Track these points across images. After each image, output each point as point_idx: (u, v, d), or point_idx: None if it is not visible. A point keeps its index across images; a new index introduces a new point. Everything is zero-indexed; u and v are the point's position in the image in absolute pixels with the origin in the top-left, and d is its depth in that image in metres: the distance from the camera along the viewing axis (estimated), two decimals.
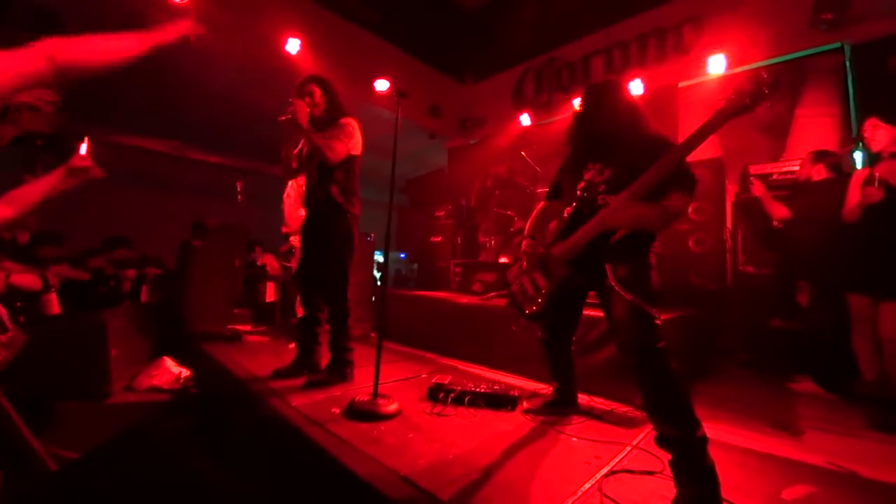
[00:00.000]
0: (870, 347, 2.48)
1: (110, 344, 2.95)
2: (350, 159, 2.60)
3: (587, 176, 1.86)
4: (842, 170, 3.06)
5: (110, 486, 1.38)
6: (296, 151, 2.74)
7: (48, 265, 3.71)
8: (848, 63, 3.96)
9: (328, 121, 2.60)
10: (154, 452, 1.58)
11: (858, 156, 3.64)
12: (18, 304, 3.21)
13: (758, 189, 3.25)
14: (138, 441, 1.66)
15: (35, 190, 1.45)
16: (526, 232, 2.09)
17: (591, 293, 1.95)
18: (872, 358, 2.48)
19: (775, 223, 3.32)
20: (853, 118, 3.88)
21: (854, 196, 2.57)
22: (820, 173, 3.02)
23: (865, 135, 2.59)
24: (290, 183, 4.28)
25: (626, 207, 1.57)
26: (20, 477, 1.60)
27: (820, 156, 3.05)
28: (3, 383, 1.69)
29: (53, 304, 3.31)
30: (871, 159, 2.64)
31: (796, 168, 3.36)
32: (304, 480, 1.82)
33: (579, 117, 1.97)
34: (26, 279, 3.20)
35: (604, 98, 1.88)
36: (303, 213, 4.12)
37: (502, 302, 3.56)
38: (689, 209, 3.89)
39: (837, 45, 4.01)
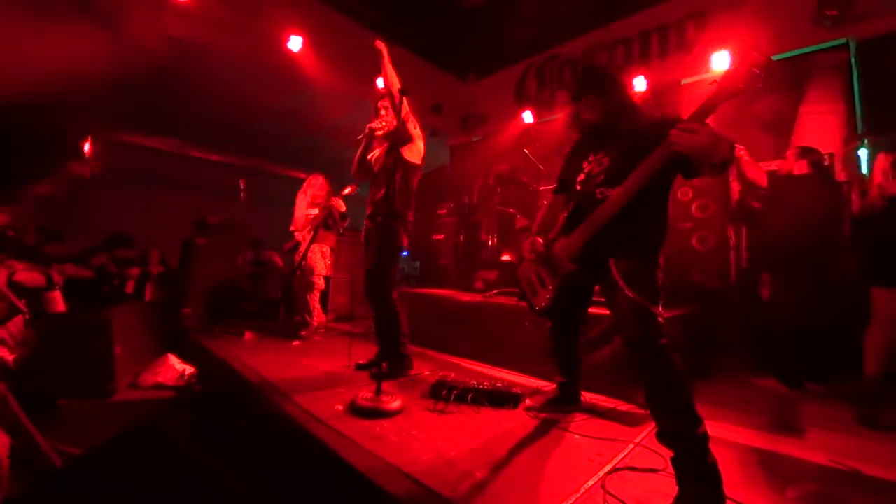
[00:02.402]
0: (887, 342, 2.46)
1: (115, 341, 2.97)
2: (409, 167, 2.78)
3: (587, 168, 1.86)
4: (823, 168, 3.07)
5: (115, 482, 1.39)
6: (370, 157, 2.97)
7: (52, 263, 3.73)
8: (853, 60, 3.93)
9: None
10: (158, 449, 1.59)
11: (863, 153, 3.62)
12: (23, 301, 3.23)
13: (738, 150, 3.24)
14: (143, 437, 1.68)
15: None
16: (535, 228, 2.09)
17: (597, 287, 1.94)
18: (885, 353, 2.46)
19: (754, 203, 3.32)
20: (858, 115, 3.86)
21: (875, 183, 2.56)
22: (802, 168, 3.02)
23: None
24: (305, 183, 4.32)
25: (704, 129, 1.36)
26: (26, 472, 1.61)
27: (805, 152, 3.06)
28: (10, 380, 1.71)
29: (58, 302, 3.33)
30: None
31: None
32: (308, 477, 1.83)
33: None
34: (31, 277, 3.21)
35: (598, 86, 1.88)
36: (312, 213, 4.16)
37: (505, 300, 3.57)
38: (694, 206, 3.89)
39: (843, 41, 3.97)
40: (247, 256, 5.71)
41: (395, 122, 2.72)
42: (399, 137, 2.71)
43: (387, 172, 2.74)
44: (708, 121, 1.44)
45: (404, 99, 2.66)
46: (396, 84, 2.65)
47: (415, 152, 2.82)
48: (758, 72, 1.31)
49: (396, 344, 2.75)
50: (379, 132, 2.87)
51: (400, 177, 2.72)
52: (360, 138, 2.91)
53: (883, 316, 2.50)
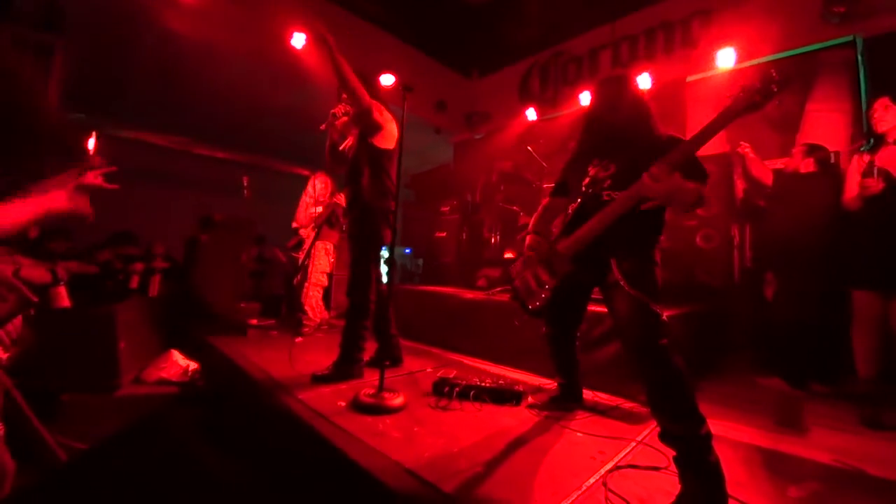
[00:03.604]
0: (873, 344, 2.44)
1: (119, 337, 2.99)
2: (380, 154, 2.62)
3: (592, 172, 1.85)
4: (829, 166, 3.05)
5: (119, 476, 1.40)
6: (343, 146, 2.79)
7: (57, 259, 3.75)
8: (860, 57, 3.89)
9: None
10: (162, 444, 1.60)
11: None
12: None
13: (744, 147, 3.21)
14: (146, 432, 1.68)
15: (27, 209, 1.41)
16: (530, 228, 2.08)
17: (596, 289, 1.94)
18: (874, 355, 2.44)
19: (759, 201, 3.30)
20: (864, 113, 3.82)
21: (853, 183, 2.52)
22: (808, 167, 3.00)
23: (874, 115, 2.50)
24: (309, 182, 4.32)
25: (668, 178, 1.47)
26: (32, 467, 1.63)
27: (812, 149, 3.03)
28: (14, 376, 1.72)
29: (63, 297, 3.34)
30: (875, 145, 2.58)
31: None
32: (310, 472, 1.83)
33: (589, 113, 1.97)
34: (36, 273, 3.23)
35: (612, 93, 1.87)
36: (316, 210, 4.17)
37: (508, 297, 3.56)
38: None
39: (850, 38, 3.93)
40: (251, 253, 5.73)
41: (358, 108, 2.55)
42: (366, 128, 2.57)
43: (358, 162, 2.62)
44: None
45: (371, 83, 2.55)
46: (350, 74, 2.43)
47: (386, 138, 2.64)
48: (775, 89, 1.34)
49: (352, 346, 2.59)
50: (343, 117, 2.70)
51: (371, 166, 2.60)
52: (324, 128, 2.74)
53: (865, 319, 2.46)
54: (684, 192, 1.50)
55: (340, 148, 2.79)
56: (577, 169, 1.96)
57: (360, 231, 2.64)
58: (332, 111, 2.70)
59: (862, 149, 2.63)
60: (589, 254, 1.75)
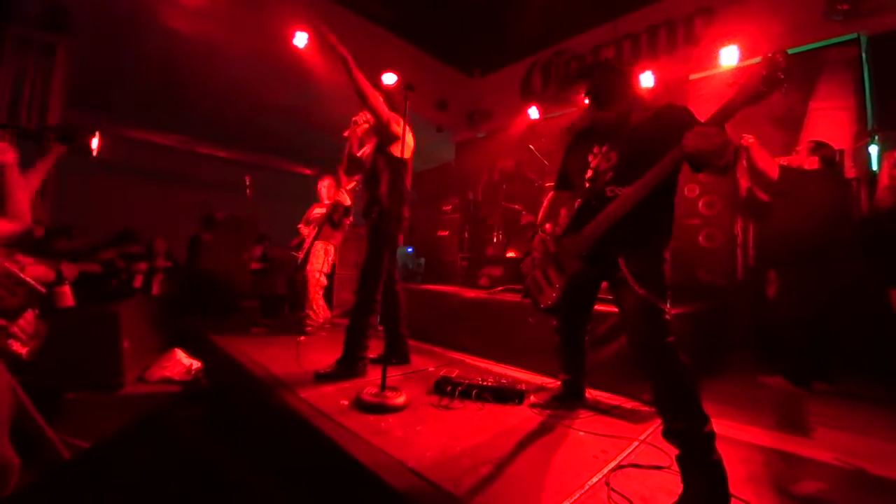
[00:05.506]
0: None
1: (122, 336, 3.00)
2: (397, 163, 2.67)
3: (593, 163, 1.83)
4: (834, 165, 3.02)
5: (122, 473, 1.41)
6: (360, 154, 2.89)
7: (61, 258, 3.76)
8: (864, 55, 3.87)
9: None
10: (165, 442, 1.61)
11: (873, 149, 3.58)
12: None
13: (748, 139, 3.18)
14: (150, 430, 1.69)
15: (25, 195, 1.45)
16: (538, 224, 2.08)
17: (604, 284, 1.93)
18: None
19: (762, 195, 3.27)
20: (868, 111, 3.81)
21: (885, 178, 2.51)
22: (813, 164, 2.98)
23: None
24: (319, 185, 4.35)
25: (720, 133, 1.33)
26: (35, 465, 1.64)
27: (818, 147, 3.01)
28: (22, 374, 1.73)
29: (68, 297, 3.36)
30: None
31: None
32: (313, 470, 1.84)
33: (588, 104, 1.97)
34: (40, 272, 3.24)
35: (605, 84, 1.86)
36: (320, 211, 4.18)
37: (510, 296, 3.56)
38: (701, 203, 3.86)
39: (853, 36, 3.92)
40: (253, 252, 5.74)
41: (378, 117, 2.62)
42: (382, 137, 2.67)
43: (375, 170, 2.71)
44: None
45: (391, 98, 2.59)
46: (370, 90, 2.51)
47: (402, 148, 2.70)
48: (781, 76, 1.26)
49: (356, 344, 2.66)
50: (364, 125, 2.82)
51: (388, 175, 2.67)
52: (347, 135, 2.87)
53: None
54: (729, 145, 1.37)
55: (358, 155, 2.89)
56: (577, 156, 1.94)
57: (377, 230, 2.70)
58: (354, 118, 2.82)
59: (870, 147, 2.61)
60: (597, 251, 1.73)
